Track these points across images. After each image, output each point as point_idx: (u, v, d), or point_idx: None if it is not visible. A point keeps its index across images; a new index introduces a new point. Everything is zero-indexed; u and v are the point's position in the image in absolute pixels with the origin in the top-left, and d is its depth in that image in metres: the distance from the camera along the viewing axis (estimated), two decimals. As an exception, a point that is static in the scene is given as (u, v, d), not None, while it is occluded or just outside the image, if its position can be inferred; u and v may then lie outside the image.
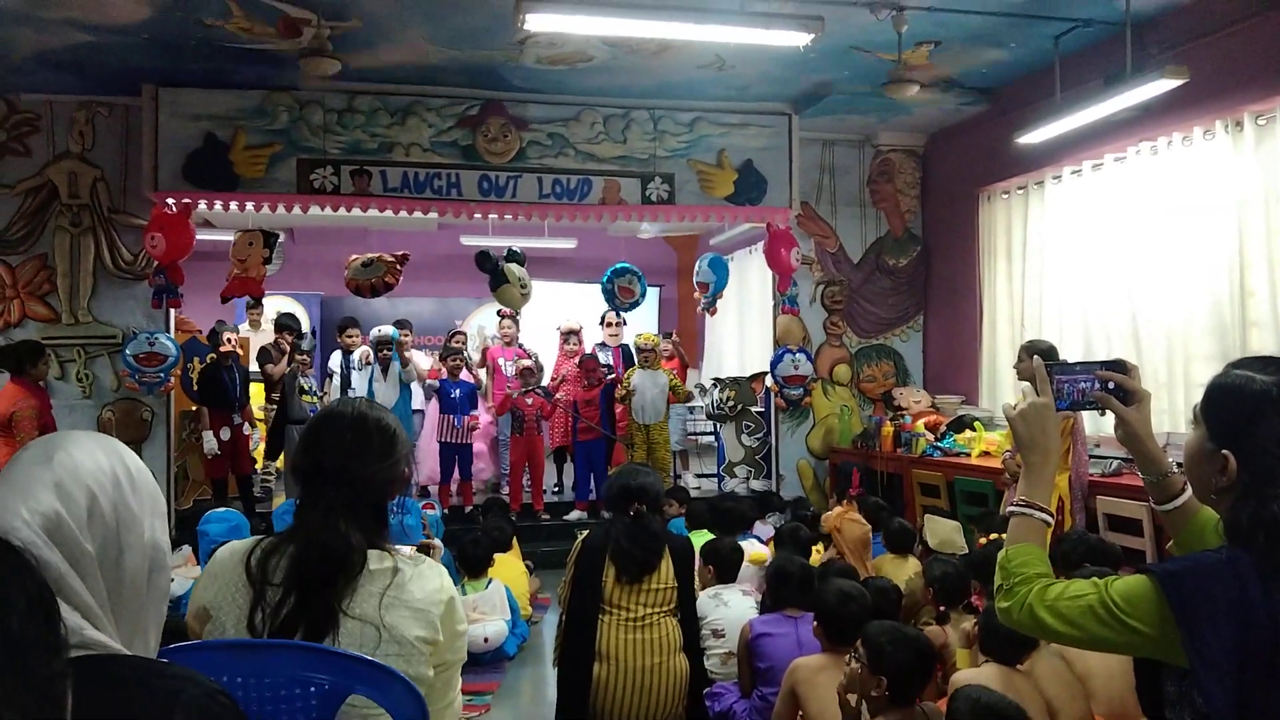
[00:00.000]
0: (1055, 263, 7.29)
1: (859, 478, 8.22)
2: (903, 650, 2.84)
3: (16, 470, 1.13)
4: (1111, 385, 1.78)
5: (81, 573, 1.10)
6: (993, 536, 4.68)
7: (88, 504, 1.13)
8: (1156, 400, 5.26)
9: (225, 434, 7.53)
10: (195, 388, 7.93)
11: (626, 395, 8.14)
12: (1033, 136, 6.76)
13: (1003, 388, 7.86)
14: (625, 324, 9.11)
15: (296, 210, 7.72)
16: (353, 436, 1.87)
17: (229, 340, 7.66)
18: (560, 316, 9.25)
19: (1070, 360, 2.62)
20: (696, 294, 8.64)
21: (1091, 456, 5.56)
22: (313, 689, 1.64)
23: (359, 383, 8.13)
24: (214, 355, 7.74)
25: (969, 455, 7.01)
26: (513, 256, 7.96)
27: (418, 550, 2.58)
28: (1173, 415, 6.11)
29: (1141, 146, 6.43)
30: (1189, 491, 1.75)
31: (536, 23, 5.07)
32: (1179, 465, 1.76)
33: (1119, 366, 1.79)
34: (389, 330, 8.10)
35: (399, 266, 7.88)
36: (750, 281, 10.34)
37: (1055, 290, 7.28)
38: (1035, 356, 2.01)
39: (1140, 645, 1.51)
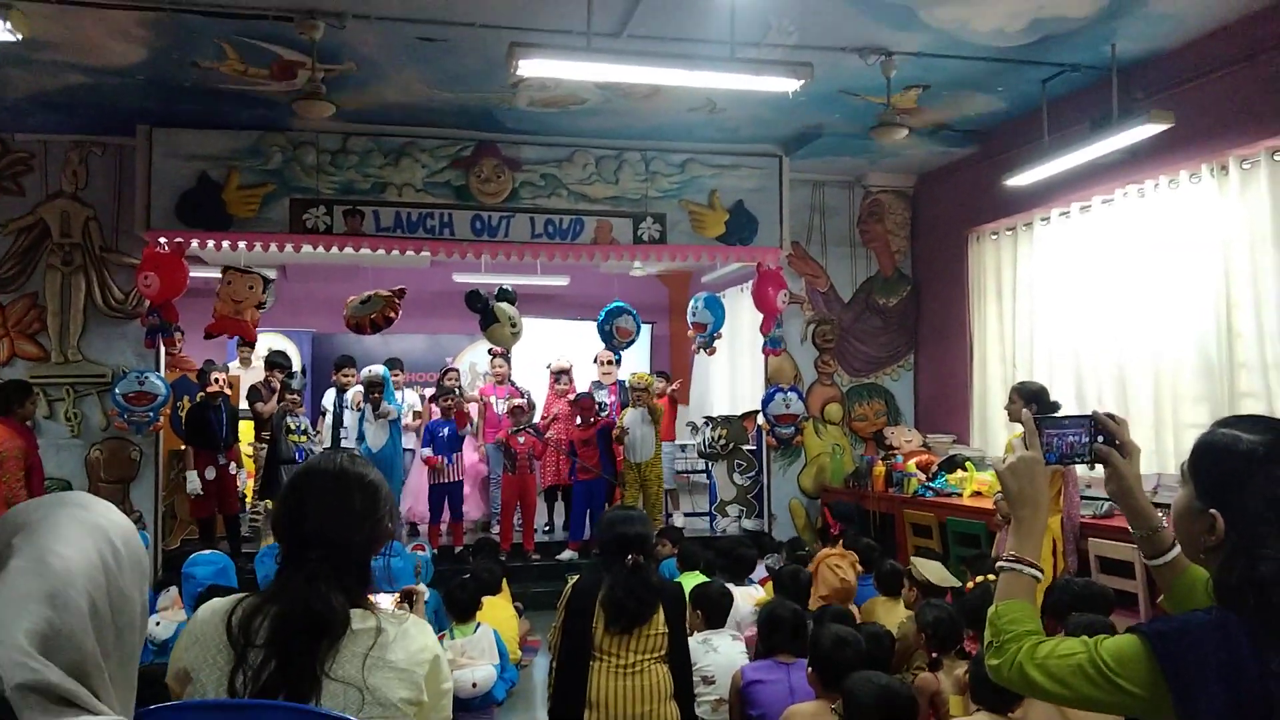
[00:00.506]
0: (1045, 303, 7.33)
1: (831, 516, 8.22)
2: (878, 705, 2.82)
3: (6, 585, 1.08)
4: (1101, 438, 1.79)
5: (84, 672, 1.07)
6: (979, 579, 4.65)
7: (88, 607, 1.10)
8: (1144, 441, 5.27)
9: (210, 474, 7.48)
10: (183, 427, 7.89)
11: (622, 434, 8.12)
12: (1021, 179, 6.82)
13: (994, 427, 7.87)
14: (619, 363, 9.11)
15: (289, 248, 7.73)
16: (334, 498, 1.84)
17: (217, 380, 7.63)
18: (553, 353, 9.26)
19: (1059, 414, 2.62)
20: (691, 333, 8.63)
21: (1083, 498, 5.56)
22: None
23: (350, 422, 8.11)
24: (203, 394, 7.71)
25: (961, 495, 7.01)
26: (503, 295, 7.98)
27: (401, 597, 2.56)
28: (1161, 456, 6.12)
29: (1129, 189, 6.49)
30: (1179, 546, 1.75)
31: (529, 68, 5.11)
32: (1165, 511, 1.76)
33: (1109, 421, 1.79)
34: (379, 370, 8.11)
35: (397, 301, 7.88)
36: (742, 320, 10.38)
37: (1045, 330, 7.32)
38: (1025, 410, 2.01)
39: (1130, 705, 1.50)
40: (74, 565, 1.10)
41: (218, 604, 1.82)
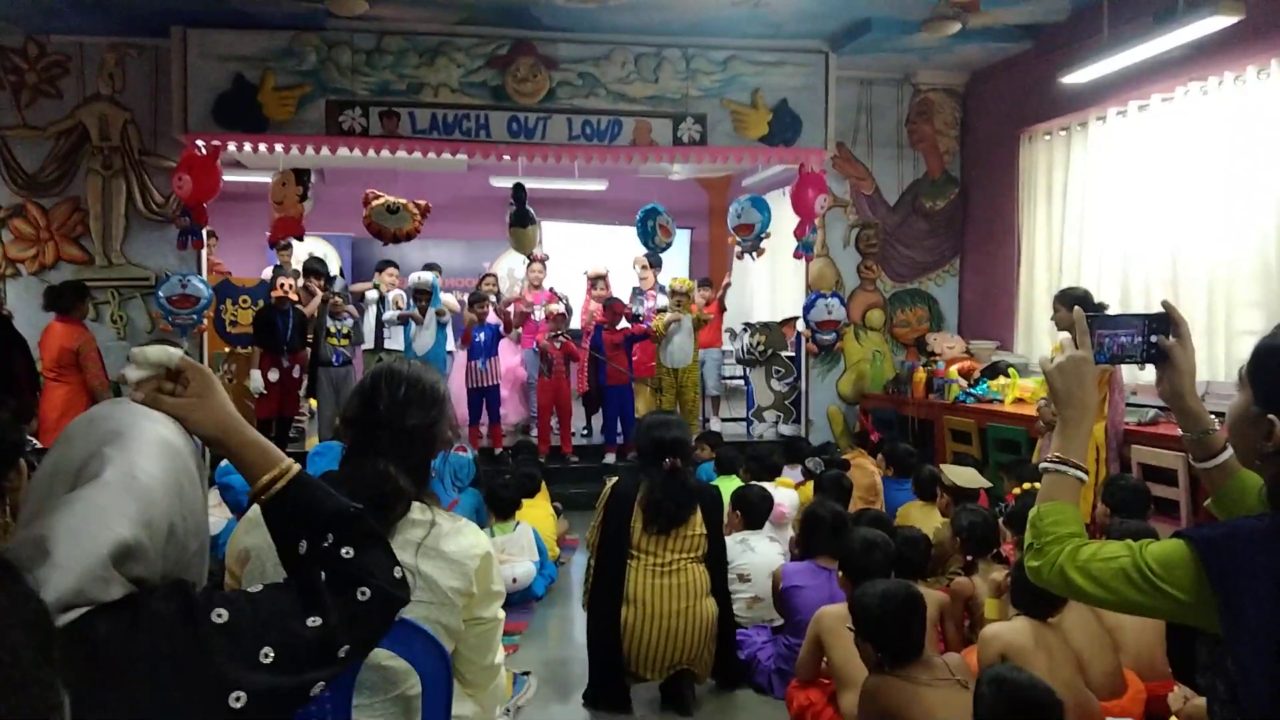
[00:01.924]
0: (1096, 207, 7.11)
1: (867, 421, 8.21)
2: (881, 608, 2.82)
3: (101, 496, 1.09)
4: (1155, 338, 1.72)
5: (143, 582, 1.10)
6: (1025, 486, 4.63)
7: (166, 529, 1.14)
8: (1197, 348, 5.14)
9: (274, 375, 7.59)
10: (230, 329, 7.99)
11: (659, 338, 8.05)
12: (1077, 76, 6.54)
13: (1039, 333, 7.73)
14: (659, 266, 9.01)
15: (325, 151, 7.68)
16: (407, 391, 1.94)
17: (281, 285, 7.67)
18: (590, 259, 9.19)
19: (1110, 311, 2.53)
20: (733, 238, 8.46)
21: (1128, 405, 5.47)
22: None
23: (395, 329, 8.19)
24: (266, 299, 7.82)
25: (1002, 402, 6.92)
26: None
27: None
28: (1212, 364, 5.98)
29: (1191, 86, 6.20)
30: (1229, 450, 1.69)
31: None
32: (1217, 417, 1.70)
33: (1164, 320, 1.72)
34: (429, 278, 8.15)
35: (422, 218, 7.83)
36: (783, 224, 10.17)
37: (1095, 235, 7.11)
38: (1076, 307, 1.93)
39: (1173, 611, 1.47)
40: (160, 486, 1.13)
41: None
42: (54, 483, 1.12)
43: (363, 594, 1.25)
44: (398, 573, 1.32)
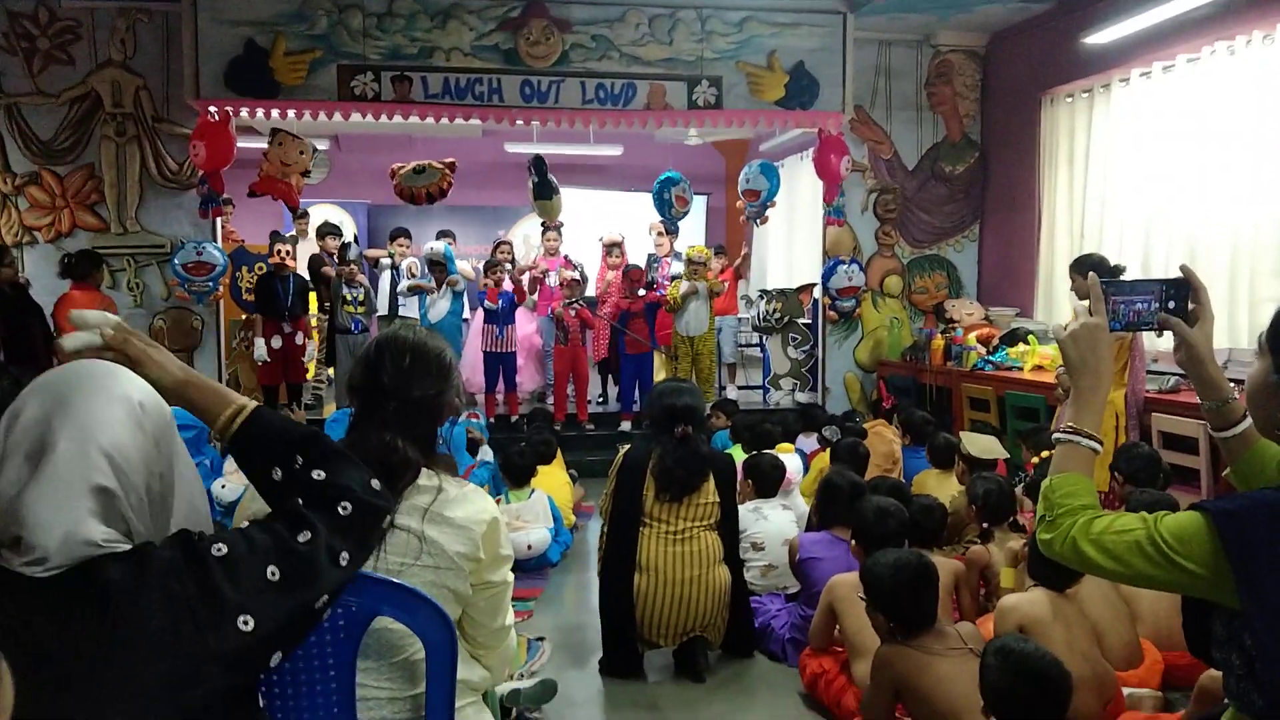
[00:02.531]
0: (1119, 171, 6.98)
1: (885, 389, 8.15)
2: (893, 578, 2.80)
3: (60, 470, 1.14)
4: (1172, 305, 1.67)
5: (130, 534, 1.18)
6: (1044, 454, 4.58)
7: (143, 485, 1.21)
8: (1217, 315, 5.07)
9: (276, 342, 7.59)
10: (245, 296, 8.00)
11: (674, 306, 8.03)
12: (1101, 36, 6.41)
13: (1059, 300, 7.64)
14: (676, 234, 8.95)
15: (338, 117, 7.63)
16: (412, 361, 1.92)
17: (279, 251, 7.66)
18: (605, 226, 9.12)
19: (1128, 278, 2.47)
20: (740, 203, 8.39)
21: (1149, 372, 5.40)
22: (339, 610, 1.64)
23: (409, 297, 8.18)
24: (267, 265, 7.80)
25: (1021, 369, 6.86)
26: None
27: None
28: (1233, 331, 5.88)
29: (1218, 46, 6.05)
30: (1249, 419, 1.65)
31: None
32: (1237, 385, 1.65)
33: (1181, 285, 1.67)
34: (441, 247, 8.11)
35: (450, 173, 7.79)
36: (800, 190, 10.09)
37: (1117, 200, 6.99)
38: (1091, 273, 1.87)
39: (1189, 585, 1.43)
40: (121, 441, 1.18)
41: None
42: (5, 458, 1.16)
43: (344, 509, 1.34)
44: (375, 484, 1.40)
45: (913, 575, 2.81)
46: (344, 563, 1.31)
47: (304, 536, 1.28)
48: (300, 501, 1.33)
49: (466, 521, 1.85)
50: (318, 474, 1.36)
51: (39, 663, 1.09)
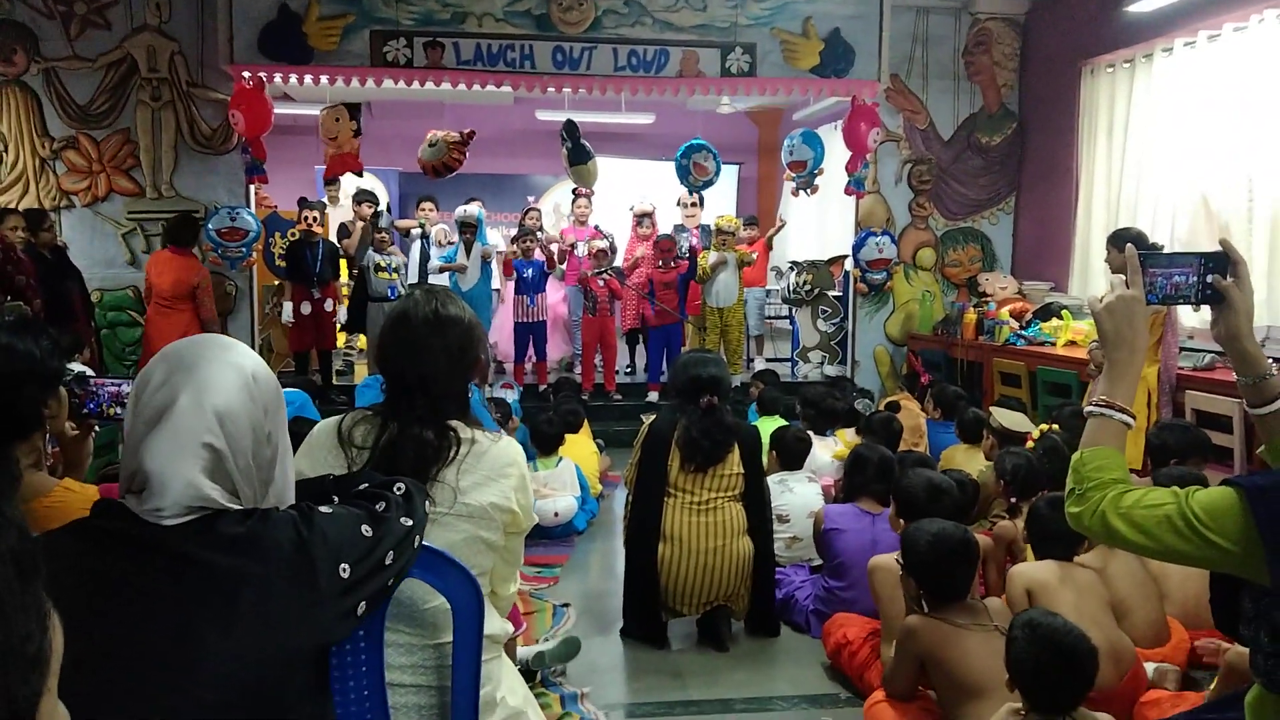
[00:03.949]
0: (1159, 143, 6.83)
1: (917, 362, 8.08)
2: (932, 549, 2.79)
3: (180, 421, 1.28)
4: (1211, 278, 1.64)
5: (236, 491, 1.31)
6: (1044, 428, 4.50)
7: (250, 447, 1.33)
8: (1257, 292, 4.96)
9: (305, 308, 7.66)
10: (278, 262, 8.07)
11: (703, 277, 7.99)
12: (1144, 4, 6.28)
13: (1095, 275, 7.52)
14: (701, 205, 8.89)
15: (371, 84, 7.64)
16: (430, 345, 1.93)
17: (306, 219, 7.71)
18: (636, 195, 9.08)
19: (1166, 250, 2.43)
20: (787, 174, 8.29)
21: (1182, 349, 5.31)
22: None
23: (439, 259, 8.20)
24: (296, 231, 7.85)
25: (1054, 344, 6.78)
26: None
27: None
28: (1272, 308, 5.77)
29: (1266, 14, 5.88)
30: (1287, 397, 1.62)
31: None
32: (1276, 362, 1.62)
33: (1221, 259, 1.64)
34: (474, 210, 8.10)
35: (463, 145, 7.75)
36: (832, 159, 9.94)
37: (1157, 173, 6.85)
38: (1129, 245, 1.84)
39: (1219, 560, 1.42)
40: (232, 405, 1.30)
41: (330, 420, 1.98)
42: (135, 417, 1.29)
43: (398, 489, 1.57)
44: (400, 488, 1.57)
45: (953, 548, 2.81)
46: (406, 524, 1.48)
47: (380, 505, 1.46)
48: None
49: (495, 474, 1.89)
50: (363, 485, 1.57)
51: (149, 611, 1.21)
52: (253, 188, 7.86)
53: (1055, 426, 4.38)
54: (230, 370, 1.33)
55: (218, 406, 1.30)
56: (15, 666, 0.63)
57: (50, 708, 0.69)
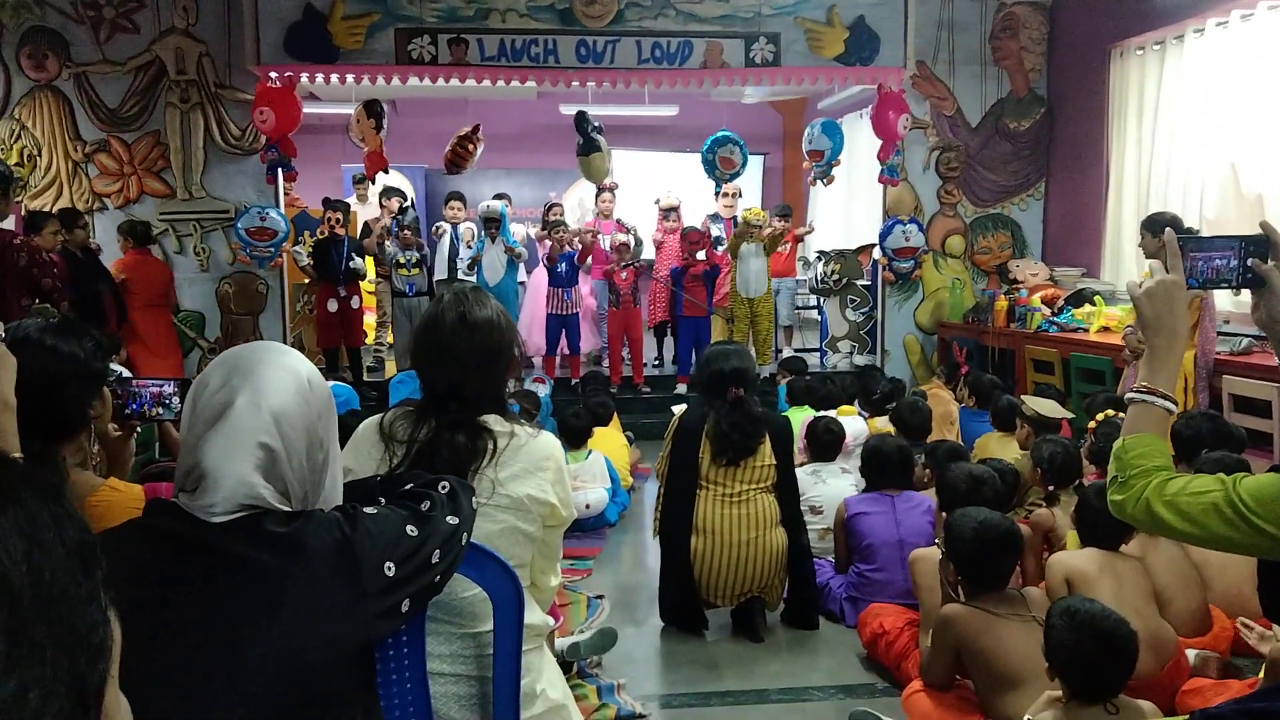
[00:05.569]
0: (1191, 126, 6.73)
1: (960, 352, 8.00)
2: (976, 538, 2.77)
3: (238, 420, 1.31)
4: (1250, 262, 1.61)
5: (290, 491, 1.35)
6: (1102, 415, 4.47)
7: (304, 446, 1.36)
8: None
9: (332, 306, 7.71)
10: (307, 262, 8.14)
11: (742, 239, 7.81)
12: (1176, -16, 6.16)
13: (1126, 260, 7.43)
14: (740, 194, 8.84)
15: (396, 82, 7.68)
16: (460, 352, 1.93)
17: (329, 220, 7.76)
18: (661, 187, 9.06)
19: (1205, 234, 2.40)
20: (807, 163, 8.26)
21: (1219, 334, 5.24)
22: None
23: (467, 256, 8.23)
24: (322, 230, 7.92)
25: (1087, 331, 6.71)
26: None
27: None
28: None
29: (1302, -9, 5.79)
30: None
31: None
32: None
33: (1262, 243, 1.61)
34: (498, 206, 8.12)
35: (471, 139, 7.76)
36: (859, 148, 9.89)
37: (1188, 157, 6.75)
38: (1168, 229, 1.82)
39: (1267, 548, 1.40)
40: (288, 408, 1.34)
41: (374, 418, 2.01)
42: (194, 418, 1.33)
43: (443, 487, 1.57)
44: (445, 486, 1.58)
45: (997, 538, 2.79)
46: (453, 523, 1.50)
47: (425, 505, 1.49)
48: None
49: (534, 467, 1.90)
50: (409, 485, 1.58)
51: (197, 605, 1.24)
52: (282, 186, 7.91)
53: (1118, 413, 4.31)
54: (286, 374, 1.37)
55: (274, 408, 1.33)
56: (84, 654, 0.64)
57: (114, 696, 0.71)
